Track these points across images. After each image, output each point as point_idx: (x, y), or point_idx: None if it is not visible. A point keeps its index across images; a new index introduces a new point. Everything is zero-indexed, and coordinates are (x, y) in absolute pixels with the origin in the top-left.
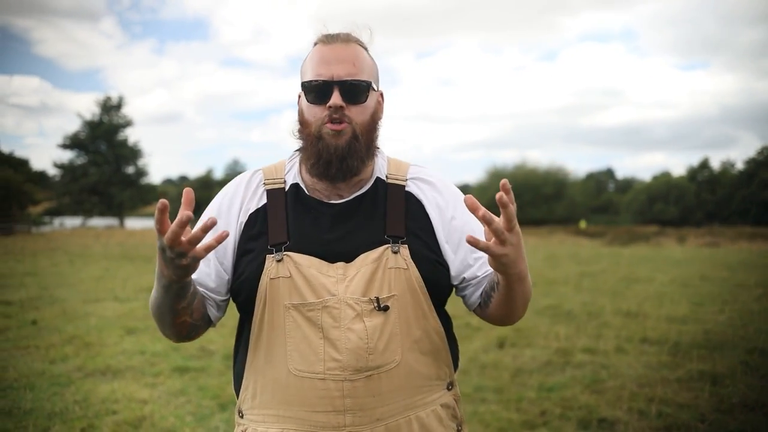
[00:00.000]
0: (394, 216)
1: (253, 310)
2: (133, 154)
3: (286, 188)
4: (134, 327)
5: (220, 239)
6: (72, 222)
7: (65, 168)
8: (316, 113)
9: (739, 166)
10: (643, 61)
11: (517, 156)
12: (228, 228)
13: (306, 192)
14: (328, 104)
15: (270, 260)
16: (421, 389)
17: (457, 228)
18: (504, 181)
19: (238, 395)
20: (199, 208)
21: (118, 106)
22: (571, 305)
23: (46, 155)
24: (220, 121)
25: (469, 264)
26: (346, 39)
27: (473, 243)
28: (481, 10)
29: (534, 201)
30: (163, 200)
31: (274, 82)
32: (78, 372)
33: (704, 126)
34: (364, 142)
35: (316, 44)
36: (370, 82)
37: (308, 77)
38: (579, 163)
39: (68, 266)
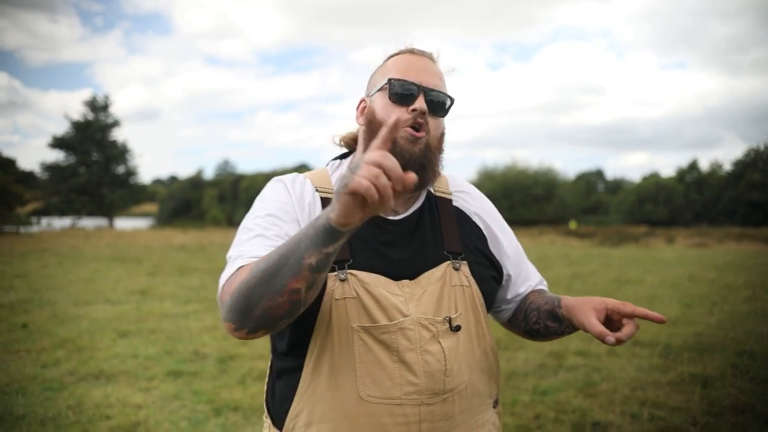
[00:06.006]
0: (449, 232)
1: (311, 331)
2: (122, 154)
3: None
4: (126, 330)
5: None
6: (60, 222)
7: (53, 168)
8: (395, 114)
9: (727, 167)
10: (623, 58)
11: (501, 155)
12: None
13: None
14: (411, 107)
15: (332, 279)
16: (480, 409)
17: (503, 243)
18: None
19: (275, 417)
20: (189, 208)
21: (105, 106)
22: None
23: (27, 153)
24: (199, 120)
25: (515, 281)
26: (433, 58)
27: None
28: (451, 1)
29: (524, 201)
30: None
31: (247, 82)
32: (70, 376)
33: (687, 125)
34: (435, 157)
35: (396, 55)
36: (454, 100)
37: (395, 76)
38: (564, 163)
39: (58, 268)
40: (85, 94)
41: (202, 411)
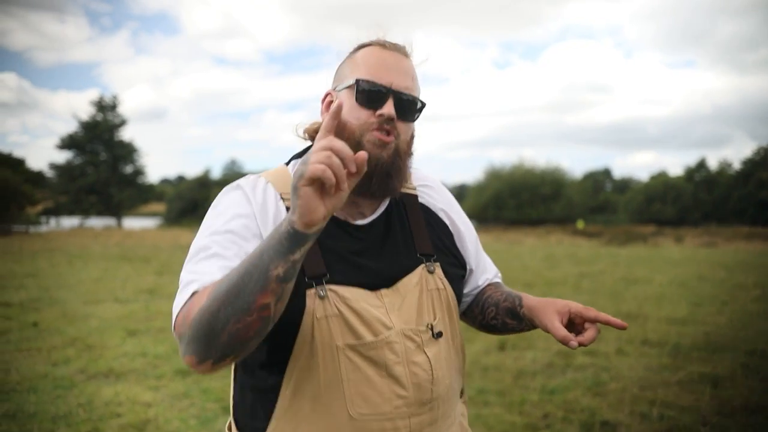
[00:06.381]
0: (419, 232)
1: (288, 349)
2: (130, 153)
3: None
4: (135, 329)
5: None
6: (69, 222)
7: (62, 168)
8: (361, 117)
9: (736, 165)
10: (630, 56)
11: (508, 154)
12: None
13: None
14: (379, 112)
15: (311, 297)
16: (453, 405)
17: (465, 237)
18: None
19: None
20: (197, 208)
21: (113, 106)
22: None
23: (35, 153)
24: (206, 119)
25: (474, 274)
26: (405, 53)
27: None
28: (458, 0)
29: (532, 201)
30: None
31: (254, 82)
32: (81, 374)
33: (695, 124)
34: (404, 163)
35: (366, 46)
36: (424, 104)
37: (364, 75)
38: (572, 162)
39: (67, 267)
40: (93, 94)
41: (211, 409)
